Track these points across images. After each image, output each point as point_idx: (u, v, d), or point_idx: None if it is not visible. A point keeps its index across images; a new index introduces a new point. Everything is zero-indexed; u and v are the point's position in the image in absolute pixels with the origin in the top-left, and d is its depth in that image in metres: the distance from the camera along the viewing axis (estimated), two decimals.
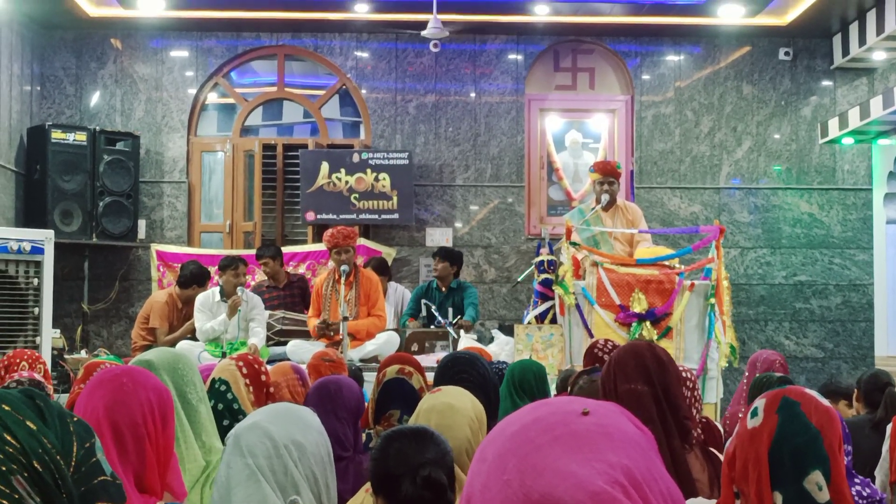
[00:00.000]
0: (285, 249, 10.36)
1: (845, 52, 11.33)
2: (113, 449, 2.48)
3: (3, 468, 1.40)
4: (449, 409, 3.20)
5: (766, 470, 2.10)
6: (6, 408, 1.45)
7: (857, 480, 3.39)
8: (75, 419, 1.53)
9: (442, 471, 2.46)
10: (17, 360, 5.89)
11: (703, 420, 3.66)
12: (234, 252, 10.30)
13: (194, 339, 9.07)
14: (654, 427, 3.13)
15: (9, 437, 1.42)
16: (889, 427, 4.89)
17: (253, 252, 10.82)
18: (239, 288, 8.92)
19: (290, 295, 9.80)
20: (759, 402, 2.21)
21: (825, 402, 2.24)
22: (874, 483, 4.60)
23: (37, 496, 1.42)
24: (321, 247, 10.68)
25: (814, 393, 2.26)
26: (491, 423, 4.03)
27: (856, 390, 6.04)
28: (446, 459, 2.52)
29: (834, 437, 2.15)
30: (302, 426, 2.44)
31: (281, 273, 9.92)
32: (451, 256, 9.91)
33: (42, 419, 1.47)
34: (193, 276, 9.63)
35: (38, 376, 5.60)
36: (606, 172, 9.12)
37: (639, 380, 3.25)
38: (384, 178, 11.16)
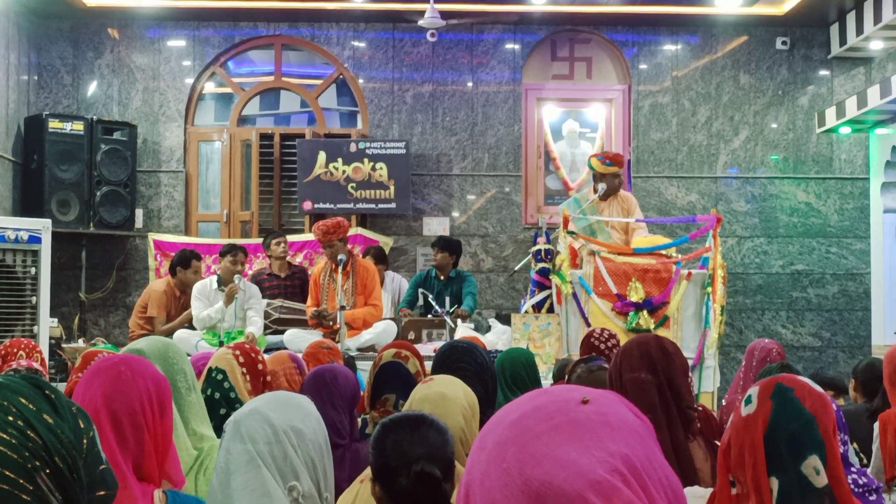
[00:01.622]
0: None
1: (842, 41, 11.33)
2: (112, 437, 2.48)
3: (29, 465, 1.39)
4: (441, 399, 3.24)
5: (761, 456, 2.11)
6: (24, 401, 1.44)
7: (853, 469, 3.39)
8: (76, 408, 1.53)
9: (436, 464, 2.47)
10: (14, 350, 5.89)
11: (700, 408, 3.67)
12: (232, 241, 10.29)
13: (192, 328, 9.07)
14: (657, 416, 3.15)
15: (32, 434, 1.41)
16: (876, 425, 4.89)
17: (250, 241, 10.85)
18: (236, 276, 8.92)
19: (290, 285, 9.81)
20: (753, 390, 2.22)
21: (818, 388, 2.25)
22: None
23: (57, 491, 1.42)
24: None
25: (807, 379, 2.28)
26: (489, 412, 4.05)
27: (853, 380, 6.04)
28: (444, 450, 2.53)
29: (828, 421, 2.17)
30: (301, 413, 2.45)
31: (286, 259, 9.97)
32: (449, 246, 9.89)
33: (56, 411, 1.47)
34: (173, 263, 9.62)
35: (36, 365, 5.60)
36: (621, 165, 9.15)
37: (643, 369, 3.28)
38: (381, 168, 11.16)
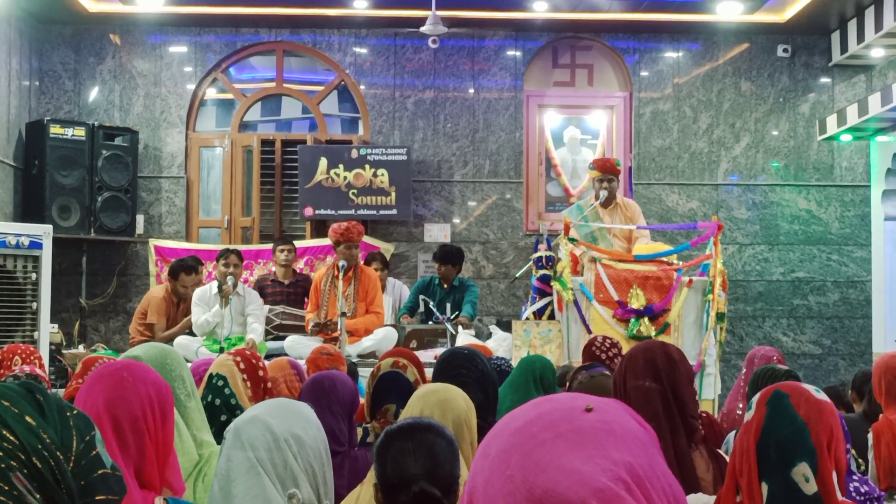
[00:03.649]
0: None
1: (844, 49, 11.33)
2: (113, 443, 2.48)
3: (3, 465, 1.39)
4: (444, 388, 3.35)
5: (754, 462, 2.12)
6: (5, 403, 1.44)
7: (855, 477, 3.39)
8: (75, 412, 1.53)
9: (437, 482, 2.46)
10: (11, 356, 5.86)
11: (704, 414, 3.66)
12: (233, 247, 10.29)
13: (192, 334, 9.07)
14: (660, 424, 3.14)
15: (7, 434, 1.41)
16: (870, 436, 4.88)
17: (251, 247, 10.86)
18: (229, 278, 8.92)
19: (293, 292, 9.81)
20: (756, 397, 2.23)
21: (820, 395, 2.24)
22: None
23: (36, 492, 1.41)
24: (319, 242, 10.70)
25: (809, 387, 2.27)
26: (489, 418, 4.05)
27: (851, 391, 6.02)
28: (447, 465, 2.51)
29: (822, 429, 2.16)
30: (302, 421, 2.45)
31: (290, 266, 9.97)
32: (451, 258, 9.75)
33: (41, 414, 1.47)
34: (177, 266, 9.60)
35: (39, 371, 5.59)
36: (606, 170, 9.10)
37: (647, 376, 3.27)
38: (382, 174, 11.16)
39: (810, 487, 2.10)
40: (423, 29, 10.49)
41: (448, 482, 2.49)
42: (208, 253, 10.48)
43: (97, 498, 1.50)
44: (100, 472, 1.52)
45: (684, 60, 11.85)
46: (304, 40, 11.76)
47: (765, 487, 2.11)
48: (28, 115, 11.04)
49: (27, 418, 1.45)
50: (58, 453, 1.45)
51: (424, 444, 2.51)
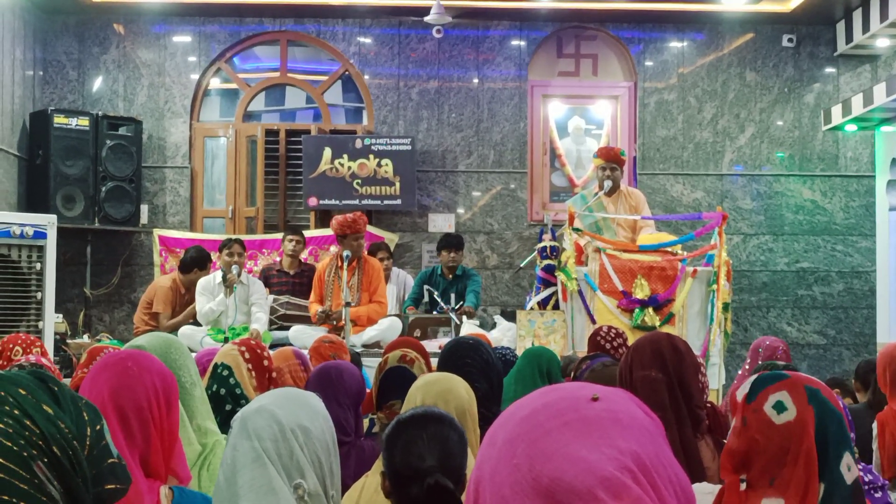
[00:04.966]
0: None
1: (849, 39, 11.31)
2: (119, 432, 2.49)
3: (25, 454, 1.40)
4: (445, 378, 3.36)
5: (814, 462, 2.10)
6: (23, 392, 1.45)
7: (859, 466, 3.39)
8: (84, 402, 1.53)
9: (450, 474, 2.44)
10: (11, 346, 5.85)
11: (708, 405, 3.67)
12: (236, 237, 10.29)
13: (197, 324, 9.08)
14: (667, 414, 3.15)
15: (29, 423, 1.42)
16: (875, 425, 4.89)
17: (255, 237, 10.86)
18: (234, 267, 8.94)
19: (299, 283, 9.81)
20: (781, 396, 2.18)
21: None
22: None
23: (55, 481, 1.42)
24: (323, 232, 10.69)
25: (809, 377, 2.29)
26: (494, 408, 4.06)
27: (854, 381, 6.03)
28: (458, 457, 2.51)
29: (845, 417, 2.18)
30: (309, 411, 2.44)
31: (297, 257, 9.98)
32: (460, 244, 9.92)
33: (57, 403, 1.48)
34: (193, 261, 9.64)
35: (45, 360, 5.60)
36: (609, 158, 9.12)
37: (654, 367, 3.28)
38: (387, 164, 11.15)
39: (851, 476, 2.12)
40: (427, 18, 10.49)
41: (458, 474, 2.48)
42: (212, 243, 10.48)
43: (107, 487, 1.51)
44: (109, 461, 1.53)
45: (689, 50, 11.82)
46: (308, 30, 11.75)
47: (821, 487, 2.11)
48: (32, 105, 11.05)
49: (45, 407, 1.45)
50: (75, 443, 1.46)
51: (437, 435, 2.49)
